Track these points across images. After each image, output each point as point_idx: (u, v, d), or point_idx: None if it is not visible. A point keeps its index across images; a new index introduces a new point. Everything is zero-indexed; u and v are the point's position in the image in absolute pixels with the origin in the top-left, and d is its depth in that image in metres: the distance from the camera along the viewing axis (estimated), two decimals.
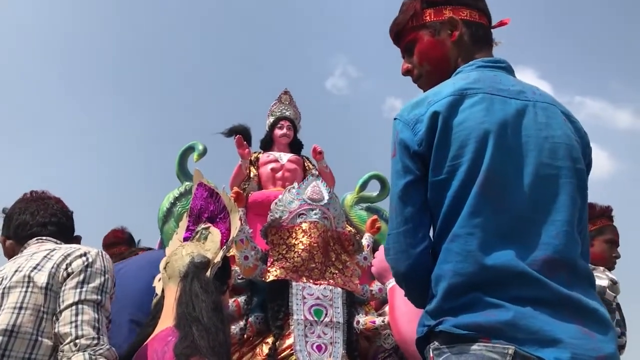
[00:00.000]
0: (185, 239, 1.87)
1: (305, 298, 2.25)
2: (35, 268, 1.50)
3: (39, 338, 1.42)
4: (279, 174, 3.00)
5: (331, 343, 2.19)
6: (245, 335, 2.24)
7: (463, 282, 1.00)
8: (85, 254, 1.55)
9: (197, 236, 1.82)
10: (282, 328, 2.21)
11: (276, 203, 2.45)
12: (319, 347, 2.17)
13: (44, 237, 1.69)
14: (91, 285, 1.50)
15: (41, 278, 1.48)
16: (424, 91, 1.24)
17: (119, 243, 2.94)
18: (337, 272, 2.37)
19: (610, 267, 2.44)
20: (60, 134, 11.37)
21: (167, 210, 2.81)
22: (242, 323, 2.26)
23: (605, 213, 2.55)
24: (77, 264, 1.52)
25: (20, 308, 1.43)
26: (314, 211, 2.40)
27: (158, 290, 1.82)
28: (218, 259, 1.66)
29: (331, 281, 2.33)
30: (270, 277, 2.27)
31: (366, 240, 2.61)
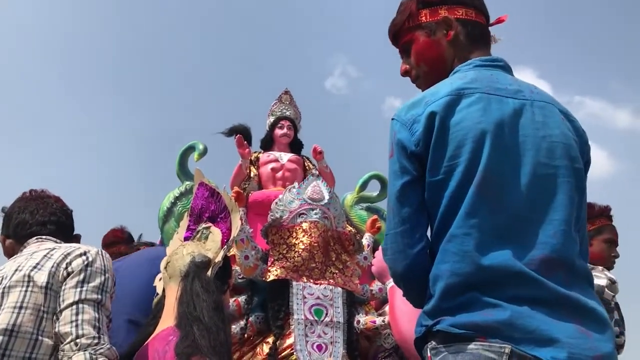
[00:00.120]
0: (186, 239, 1.87)
1: (305, 298, 2.25)
2: (35, 267, 1.50)
3: (39, 337, 1.42)
4: (279, 174, 3.00)
5: (331, 343, 2.19)
6: (245, 335, 2.25)
7: (460, 282, 1.00)
8: (85, 253, 1.55)
9: (197, 236, 1.82)
10: (283, 328, 2.21)
11: (276, 203, 2.46)
12: (319, 347, 2.17)
13: (43, 236, 1.69)
14: (91, 284, 1.50)
15: (41, 277, 1.48)
16: (423, 91, 1.24)
17: (119, 242, 2.94)
18: (337, 271, 2.38)
19: (609, 267, 2.44)
20: (60, 134, 11.39)
21: (167, 210, 2.81)
22: (242, 322, 2.27)
23: (604, 212, 2.55)
24: (77, 263, 1.52)
25: (21, 307, 1.43)
26: (315, 211, 2.41)
27: (159, 290, 1.82)
28: (219, 258, 1.66)
29: (331, 281, 2.33)
30: (271, 277, 2.28)
31: (366, 240, 2.61)
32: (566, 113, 1.18)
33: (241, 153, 2.90)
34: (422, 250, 1.10)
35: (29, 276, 1.48)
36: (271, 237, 2.38)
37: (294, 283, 2.27)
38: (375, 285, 2.48)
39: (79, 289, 1.48)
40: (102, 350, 1.40)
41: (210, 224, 1.83)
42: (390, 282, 1.95)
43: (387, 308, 2.24)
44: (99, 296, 1.50)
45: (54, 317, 1.45)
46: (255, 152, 3.16)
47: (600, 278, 2.27)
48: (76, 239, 1.83)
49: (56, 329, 1.43)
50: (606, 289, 2.27)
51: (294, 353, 2.13)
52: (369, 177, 3.13)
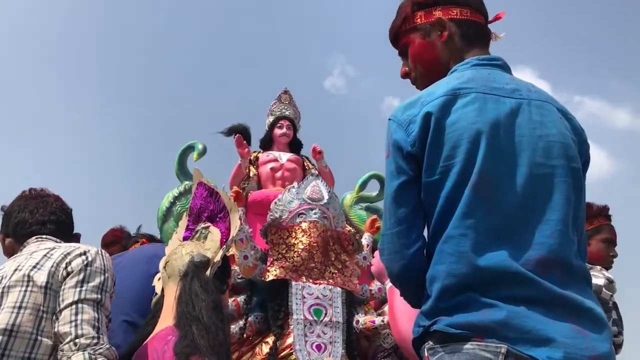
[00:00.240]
0: (185, 238, 1.87)
1: (304, 297, 2.25)
2: (34, 267, 1.50)
3: (39, 337, 1.42)
4: (279, 174, 3.00)
5: (331, 342, 2.20)
6: (244, 335, 2.25)
7: (457, 283, 1.00)
8: (84, 253, 1.55)
9: (196, 235, 1.82)
10: (282, 327, 2.22)
11: (276, 202, 2.46)
12: (318, 347, 2.17)
13: (43, 236, 1.69)
14: (91, 284, 1.50)
15: (41, 277, 1.48)
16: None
17: (118, 242, 2.94)
18: (336, 271, 2.38)
19: (607, 267, 2.44)
20: (60, 134, 11.38)
21: (166, 210, 2.81)
22: (241, 322, 2.27)
23: (603, 212, 2.55)
24: (77, 263, 1.52)
25: (20, 307, 1.43)
26: (314, 211, 2.41)
27: (158, 290, 1.82)
28: (218, 258, 1.66)
29: (331, 281, 2.34)
30: (270, 277, 2.28)
31: (366, 239, 2.62)
32: (564, 112, 1.17)
33: (240, 153, 2.90)
34: (418, 251, 1.10)
35: (28, 276, 1.48)
36: (270, 237, 2.38)
37: (293, 283, 2.27)
38: (375, 285, 2.48)
39: (78, 289, 1.48)
40: (101, 350, 1.40)
41: (209, 224, 1.83)
42: (389, 282, 1.95)
43: (386, 308, 2.24)
44: (99, 296, 1.50)
45: (54, 317, 1.45)
46: (254, 152, 3.16)
47: (597, 277, 2.27)
48: (76, 237, 1.83)
49: (55, 329, 1.43)
50: (604, 289, 2.27)
51: (293, 353, 2.14)
52: (368, 177, 3.14)
